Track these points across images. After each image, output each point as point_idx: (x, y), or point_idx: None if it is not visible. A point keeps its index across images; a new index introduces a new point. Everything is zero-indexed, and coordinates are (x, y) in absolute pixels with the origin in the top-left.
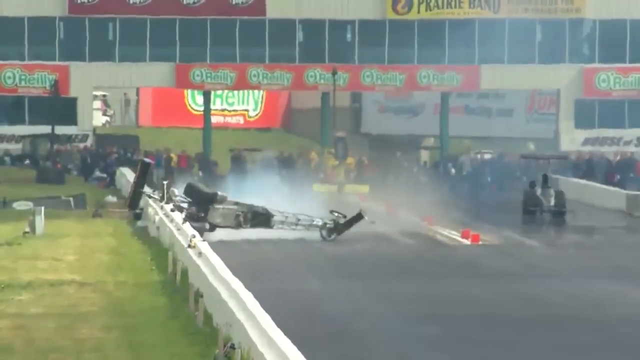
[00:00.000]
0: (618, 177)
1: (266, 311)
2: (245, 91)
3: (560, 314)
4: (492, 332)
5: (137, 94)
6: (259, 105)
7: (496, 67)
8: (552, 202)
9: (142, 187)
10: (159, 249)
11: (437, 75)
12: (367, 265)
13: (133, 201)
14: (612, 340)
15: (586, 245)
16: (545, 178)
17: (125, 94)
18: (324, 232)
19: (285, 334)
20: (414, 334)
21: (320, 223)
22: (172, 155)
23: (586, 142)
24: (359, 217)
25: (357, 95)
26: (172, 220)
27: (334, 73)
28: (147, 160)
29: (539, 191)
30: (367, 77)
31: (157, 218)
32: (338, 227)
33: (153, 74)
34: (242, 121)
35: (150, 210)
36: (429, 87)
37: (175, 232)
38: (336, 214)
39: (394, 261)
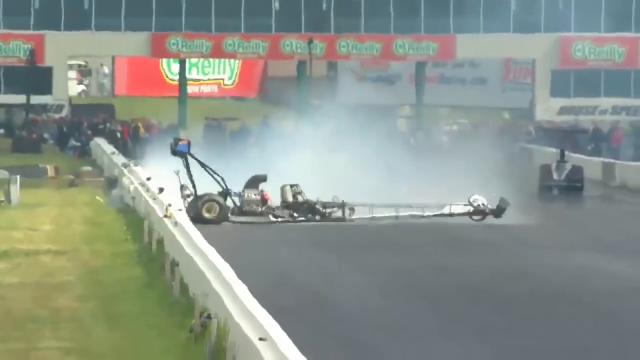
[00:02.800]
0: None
1: (244, 283)
2: (221, 60)
3: (540, 286)
4: (471, 305)
5: (113, 63)
6: (234, 74)
7: (472, 37)
8: (564, 176)
9: None
10: (134, 219)
11: (413, 44)
12: (348, 237)
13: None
14: (593, 312)
15: (563, 216)
16: (562, 153)
17: (86, 62)
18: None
19: (263, 305)
20: (391, 306)
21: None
22: (139, 124)
23: (562, 111)
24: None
25: (333, 64)
26: (147, 190)
27: (310, 42)
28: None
29: (553, 166)
30: (343, 47)
31: (132, 187)
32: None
33: (129, 43)
34: (216, 90)
35: (125, 179)
36: (404, 56)
37: (151, 202)
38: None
39: (373, 232)
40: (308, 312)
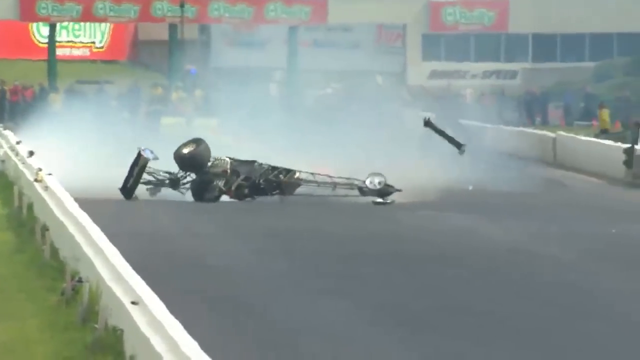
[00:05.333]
0: None
1: (118, 248)
2: (91, 23)
3: (416, 248)
4: (345, 267)
5: None
6: (105, 37)
7: (344, 1)
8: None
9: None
10: (3, 182)
11: (285, 8)
12: (222, 202)
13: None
14: (468, 273)
15: (441, 180)
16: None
17: None
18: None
19: (136, 269)
20: (265, 268)
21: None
22: (6, 88)
23: (433, 75)
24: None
25: (205, 27)
26: (17, 154)
27: (182, 5)
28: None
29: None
30: (215, 10)
31: (1, 151)
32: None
33: None
34: (88, 53)
35: None
36: (277, 20)
37: (21, 166)
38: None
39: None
40: (182, 275)
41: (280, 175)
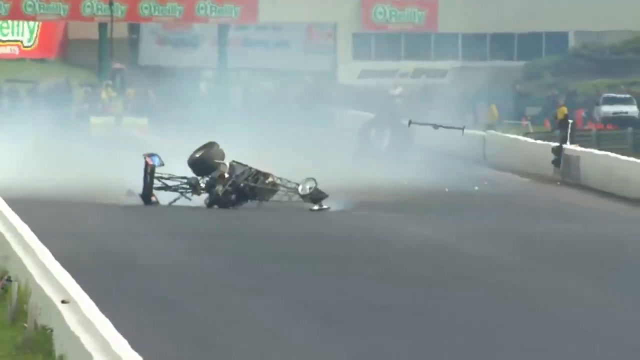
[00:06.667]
0: None
1: (50, 248)
2: (20, 21)
3: (345, 247)
4: (275, 267)
5: None
6: (34, 35)
7: (274, 0)
8: (386, 143)
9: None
10: None
11: (215, 7)
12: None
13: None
14: (395, 272)
15: (372, 179)
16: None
17: None
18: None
19: (66, 268)
20: (197, 268)
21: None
22: None
23: (363, 74)
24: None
25: (134, 26)
26: None
27: (111, 4)
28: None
29: (373, 132)
30: (145, 9)
31: None
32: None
33: None
34: (17, 52)
35: None
36: (207, 18)
37: None
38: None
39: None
40: (113, 273)
41: (259, 180)
